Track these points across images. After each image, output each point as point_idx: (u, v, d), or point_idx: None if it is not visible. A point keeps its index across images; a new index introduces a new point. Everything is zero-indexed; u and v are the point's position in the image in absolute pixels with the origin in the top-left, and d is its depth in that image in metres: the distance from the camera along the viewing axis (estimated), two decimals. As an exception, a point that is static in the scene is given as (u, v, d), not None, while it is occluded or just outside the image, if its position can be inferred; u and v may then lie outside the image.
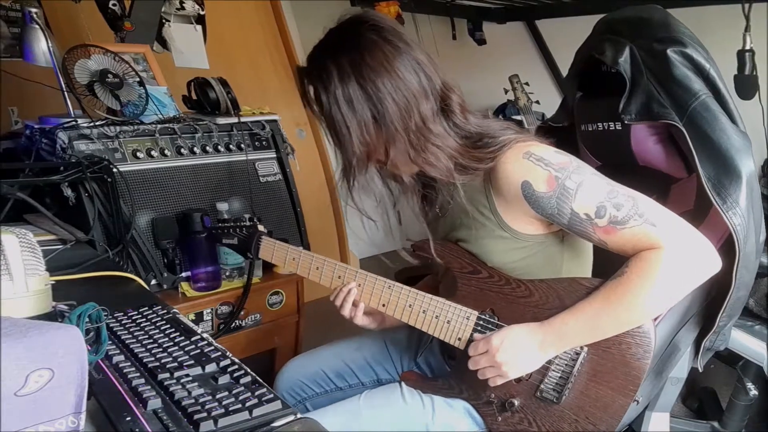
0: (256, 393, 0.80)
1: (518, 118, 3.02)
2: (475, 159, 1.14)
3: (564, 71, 1.91)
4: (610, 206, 1.06)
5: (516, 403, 1.15)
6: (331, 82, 1.08)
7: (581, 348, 1.13)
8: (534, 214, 1.12)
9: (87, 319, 0.88)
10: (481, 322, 1.18)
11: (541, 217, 1.12)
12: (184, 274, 1.79)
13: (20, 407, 0.64)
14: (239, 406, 0.76)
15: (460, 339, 1.19)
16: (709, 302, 1.31)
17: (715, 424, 2.09)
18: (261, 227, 1.43)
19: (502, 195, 1.14)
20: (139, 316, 1.07)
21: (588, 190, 1.08)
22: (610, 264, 1.13)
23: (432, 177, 1.19)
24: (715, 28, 2.03)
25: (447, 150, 1.14)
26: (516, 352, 1.11)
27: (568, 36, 1.95)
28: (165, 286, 1.78)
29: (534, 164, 1.09)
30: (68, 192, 1.63)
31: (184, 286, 1.78)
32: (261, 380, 0.85)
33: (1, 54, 2.37)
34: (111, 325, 1.01)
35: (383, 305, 1.24)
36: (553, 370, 1.14)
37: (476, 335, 1.17)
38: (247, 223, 1.45)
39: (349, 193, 1.19)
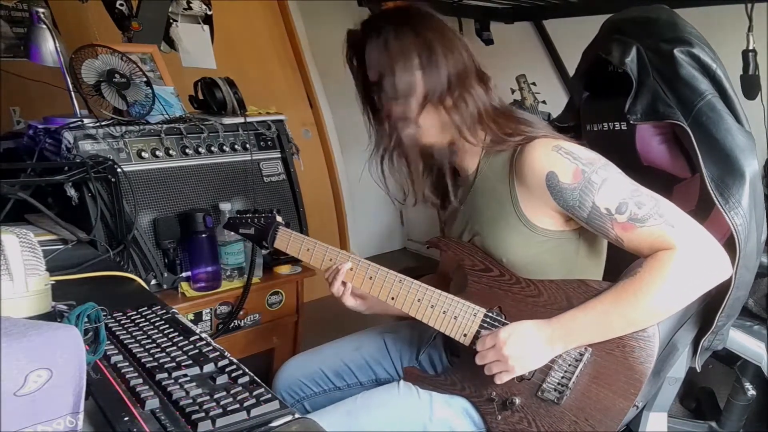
0: (254, 393, 0.80)
1: (524, 117, 3.00)
2: (502, 131, 1.19)
3: (571, 71, 1.91)
4: (632, 203, 1.08)
5: (517, 401, 1.15)
6: (383, 29, 1.17)
7: (585, 349, 1.12)
8: (554, 206, 1.13)
9: (86, 319, 0.88)
10: (488, 320, 1.18)
11: (561, 209, 1.13)
12: (184, 274, 1.80)
13: (19, 407, 0.64)
14: (237, 406, 0.76)
15: (465, 335, 1.20)
16: (708, 302, 1.30)
17: (713, 424, 2.08)
18: (279, 218, 1.44)
19: (525, 184, 1.15)
20: (138, 316, 1.07)
21: (612, 186, 1.09)
22: (622, 266, 1.13)
23: (456, 169, 1.23)
24: (721, 28, 2.02)
25: (480, 104, 1.20)
26: (523, 346, 1.11)
27: (575, 36, 1.94)
28: (165, 286, 1.79)
29: (563, 157, 1.11)
30: (71, 192, 1.64)
31: (184, 286, 1.78)
32: (259, 380, 0.85)
33: (1, 54, 2.38)
34: (110, 325, 1.01)
35: (392, 298, 1.25)
36: (556, 370, 1.14)
37: (483, 331, 1.17)
38: (265, 214, 1.46)
39: (381, 164, 1.25)
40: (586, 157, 1.11)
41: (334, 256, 1.32)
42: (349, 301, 1.34)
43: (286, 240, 1.38)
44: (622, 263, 1.18)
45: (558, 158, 1.11)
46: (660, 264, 1.05)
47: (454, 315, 1.21)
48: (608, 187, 1.09)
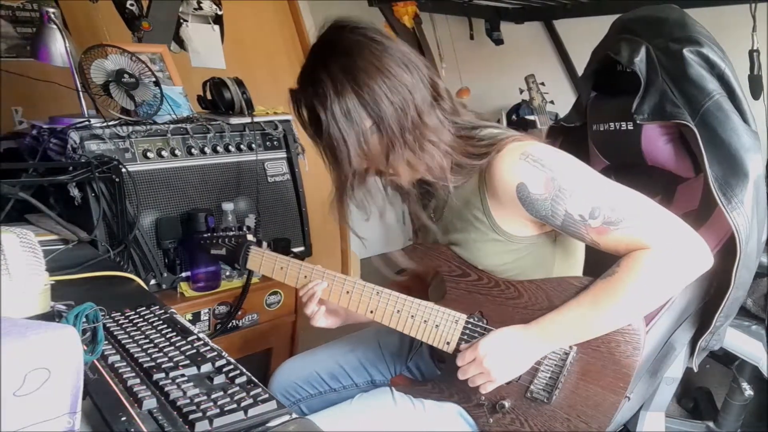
0: (252, 393, 0.80)
1: (532, 117, 3.00)
2: (468, 154, 1.13)
3: (580, 71, 1.90)
4: (605, 207, 1.05)
5: (506, 404, 1.15)
6: (327, 97, 1.04)
7: (570, 348, 1.12)
8: (527, 215, 1.11)
9: (84, 319, 0.88)
10: (470, 326, 1.17)
11: (534, 218, 1.11)
12: (183, 274, 1.79)
13: (18, 407, 0.64)
14: (234, 406, 0.77)
15: (448, 343, 1.18)
16: (707, 302, 1.30)
17: (711, 424, 2.07)
18: (250, 236, 1.41)
19: (496, 197, 1.13)
20: (136, 316, 1.07)
21: (584, 191, 1.07)
22: (601, 264, 1.12)
23: (428, 182, 1.19)
24: (731, 27, 2.02)
25: (442, 146, 1.12)
26: (503, 356, 1.10)
27: (585, 36, 1.94)
28: (164, 286, 1.78)
29: (531, 165, 1.07)
30: (75, 192, 1.64)
31: (183, 286, 1.78)
32: (256, 380, 0.85)
33: (2, 54, 2.38)
34: (108, 325, 1.01)
35: (371, 312, 1.23)
36: (543, 371, 1.13)
37: (462, 345, 1.16)
38: (236, 233, 1.43)
39: (344, 212, 1.21)
40: (556, 163, 1.08)
41: (309, 273, 1.29)
42: (321, 322, 1.31)
43: (259, 260, 1.35)
44: (601, 262, 1.16)
45: (526, 168, 1.07)
46: (634, 263, 1.05)
47: (435, 323, 1.19)
48: (580, 193, 1.06)
